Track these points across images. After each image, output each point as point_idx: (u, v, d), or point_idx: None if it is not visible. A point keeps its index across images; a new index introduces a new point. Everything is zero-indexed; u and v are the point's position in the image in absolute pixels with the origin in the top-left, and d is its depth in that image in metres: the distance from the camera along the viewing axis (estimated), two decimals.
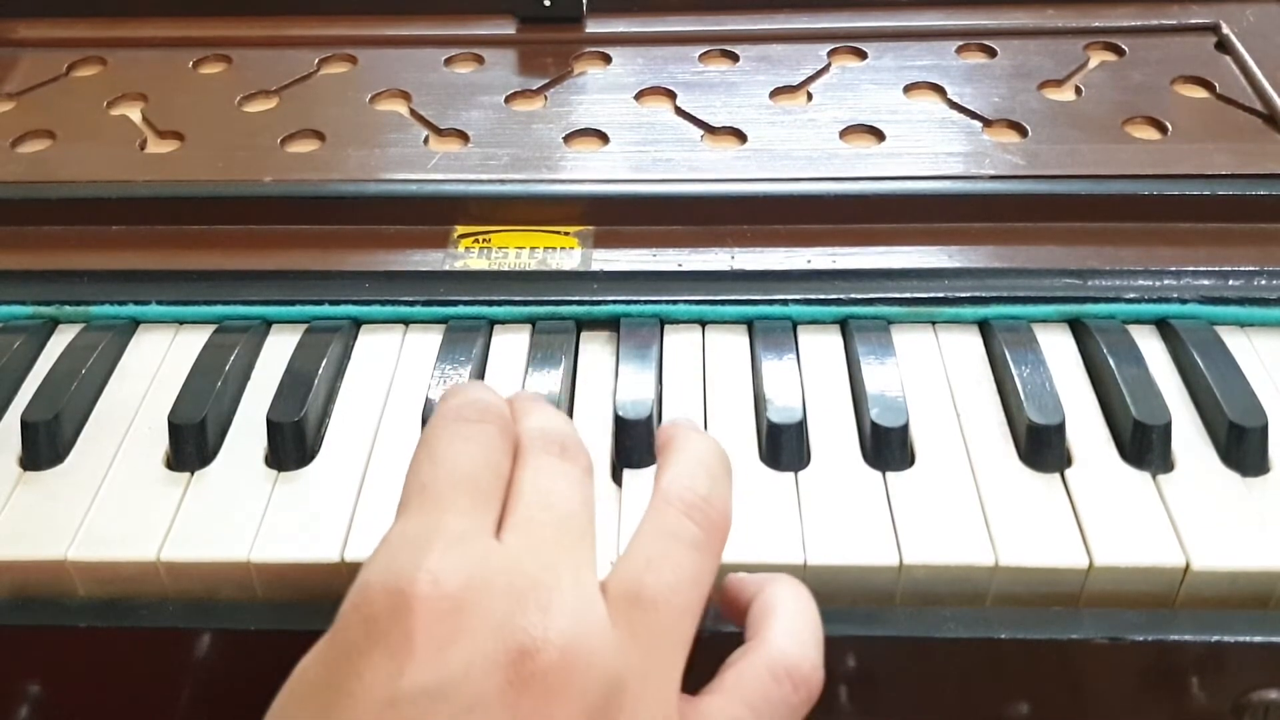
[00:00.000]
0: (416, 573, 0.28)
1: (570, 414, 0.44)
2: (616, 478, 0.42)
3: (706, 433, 0.37)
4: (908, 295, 0.48)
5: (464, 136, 0.57)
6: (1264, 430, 0.41)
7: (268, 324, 0.49)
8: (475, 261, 0.50)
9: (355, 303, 0.49)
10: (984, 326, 0.47)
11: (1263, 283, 0.48)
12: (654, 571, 0.31)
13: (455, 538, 0.30)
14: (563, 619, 0.29)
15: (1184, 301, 0.47)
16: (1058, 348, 0.46)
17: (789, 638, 0.33)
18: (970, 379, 0.45)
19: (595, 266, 0.50)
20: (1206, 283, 0.48)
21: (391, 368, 0.47)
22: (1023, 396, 0.43)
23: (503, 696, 0.27)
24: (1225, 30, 0.62)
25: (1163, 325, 0.47)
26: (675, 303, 0.48)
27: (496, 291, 0.49)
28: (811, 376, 0.45)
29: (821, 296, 0.48)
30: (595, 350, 0.47)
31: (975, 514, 0.40)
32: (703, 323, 0.48)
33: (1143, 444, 0.41)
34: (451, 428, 0.34)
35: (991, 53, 0.62)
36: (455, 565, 0.29)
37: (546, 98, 0.60)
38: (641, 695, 0.29)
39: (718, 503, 0.34)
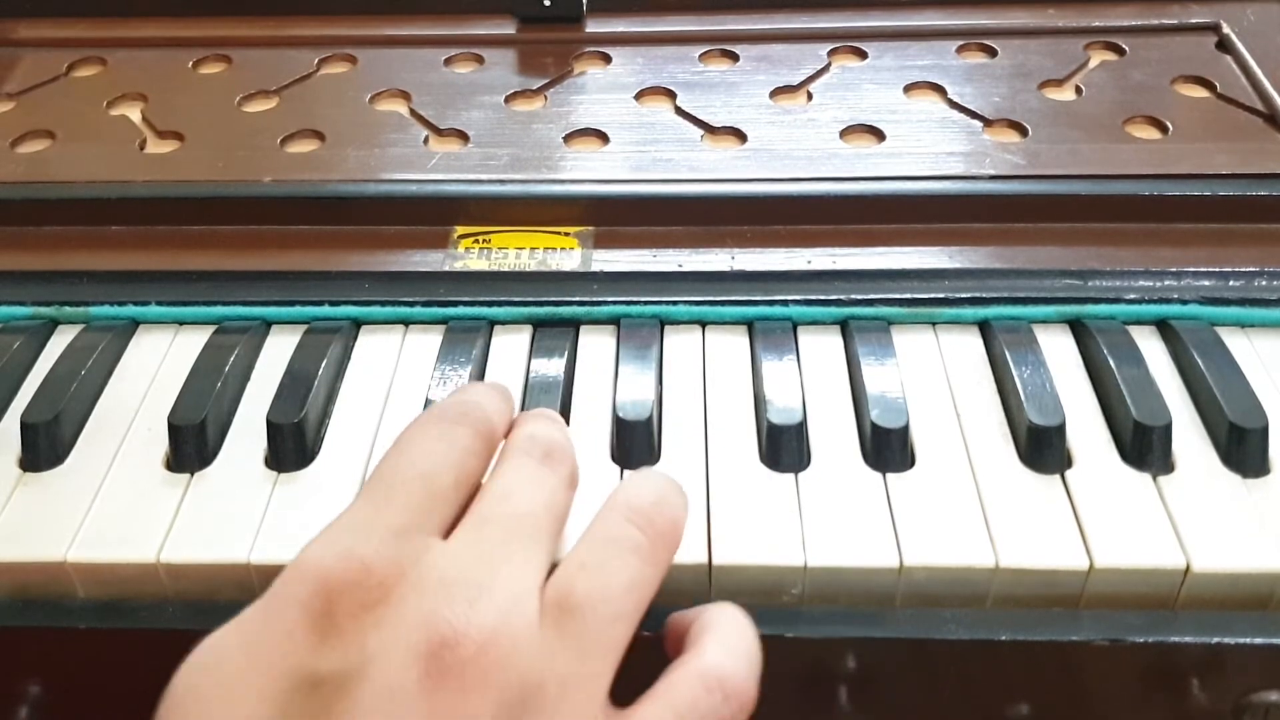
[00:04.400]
0: (349, 558, 0.30)
1: (570, 415, 0.44)
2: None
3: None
4: (908, 296, 0.48)
5: (464, 136, 0.57)
6: (1264, 431, 0.41)
7: (268, 324, 0.49)
8: (475, 262, 0.50)
9: (355, 303, 0.49)
10: (984, 327, 0.47)
11: (1263, 283, 0.48)
12: (586, 577, 0.31)
13: (395, 530, 0.31)
14: (485, 615, 0.29)
15: (1184, 302, 0.47)
16: (1058, 348, 0.46)
17: (723, 650, 0.33)
18: (970, 380, 0.45)
19: (595, 267, 0.50)
20: (1207, 283, 0.48)
21: (391, 368, 0.47)
22: (1023, 397, 0.43)
23: (420, 686, 0.28)
24: (1226, 30, 0.62)
25: (1163, 326, 0.47)
26: (675, 303, 0.48)
27: (496, 292, 0.49)
28: (812, 377, 0.45)
29: (822, 297, 0.48)
30: (595, 351, 0.47)
31: (975, 515, 0.40)
32: (703, 323, 0.48)
33: (1143, 445, 0.41)
34: (426, 427, 0.35)
35: (992, 52, 0.62)
36: (389, 555, 0.30)
37: (546, 98, 0.60)
38: (563, 698, 0.30)
39: (666, 510, 0.34)
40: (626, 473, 0.42)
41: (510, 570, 0.31)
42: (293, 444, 0.43)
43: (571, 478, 0.36)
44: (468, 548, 0.31)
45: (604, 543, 0.33)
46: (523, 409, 0.44)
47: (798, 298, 0.48)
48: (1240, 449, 0.41)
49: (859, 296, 0.48)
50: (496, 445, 0.36)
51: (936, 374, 0.45)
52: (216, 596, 0.40)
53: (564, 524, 0.35)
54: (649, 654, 0.33)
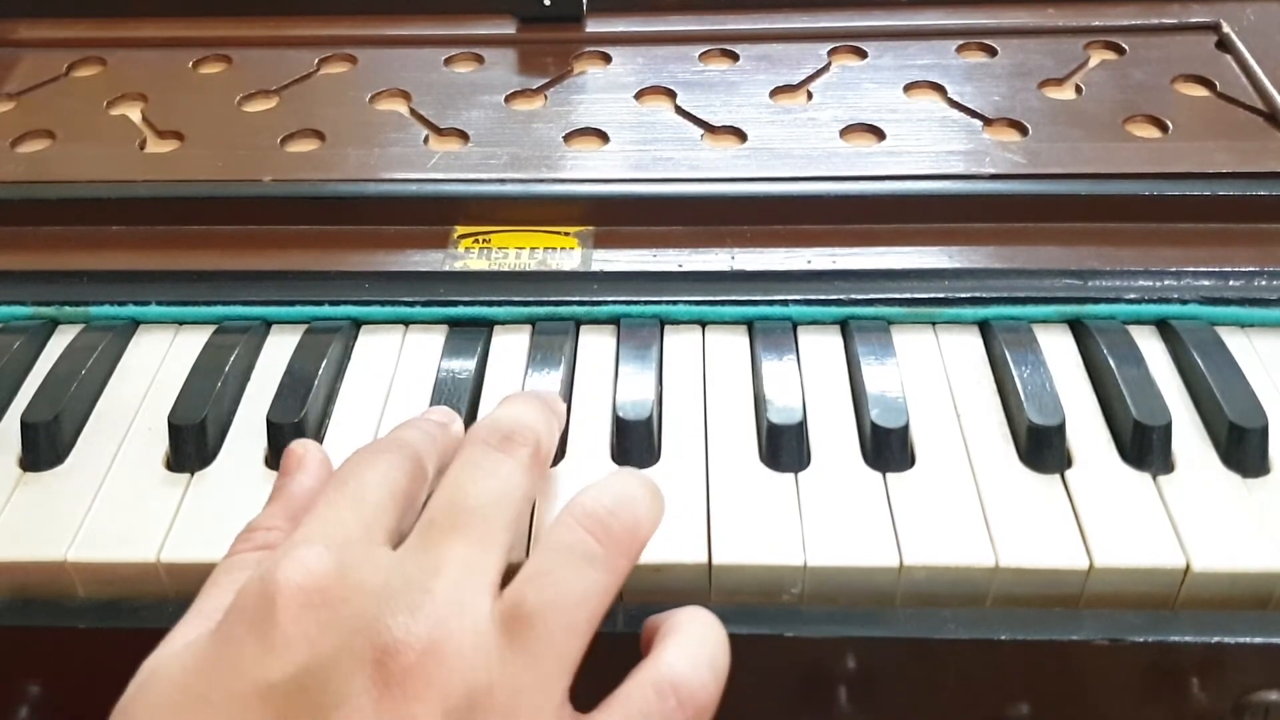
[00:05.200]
0: (292, 570, 0.30)
1: (570, 414, 0.44)
2: None
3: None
4: (908, 296, 0.48)
5: (464, 136, 0.57)
6: (1264, 431, 0.41)
7: (267, 324, 0.49)
8: (475, 262, 0.50)
9: (355, 303, 0.49)
10: (984, 327, 0.47)
11: (1263, 283, 0.48)
12: (538, 586, 0.31)
13: (339, 542, 0.31)
14: (428, 621, 0.29)
15: (1184, 302, 0.47)
16: (1058, 348, 0.46)
17: (680, 656, 0.32)
18: (970, 379, 0.45)
19: (595, 267, 0.50)
20: (1207, 283, 0.48)
21: (391, 368, 0.47)
22: (1023, 397, 0.43)
23: (366, 693, 0.28)
24: (1226, 29, 0.62)
25: (1163, 326, 0.47)
26: (675, 303, 0.48)
27: (497, 292, 0.49)
28: (812, 377, 0.45)
29: (822, 297, 0.48)
30: (595, 351, 0.47)
31: (975, 515, 0.40)
32: (703, 323, 0.48)
33: (1143, 445, 0.41)
34: (352, 462, 0.35)
35: (992, 52, 0.62)
36: (331, 565, 0.30)
37: (546, 97, 0.60)
38: (512, 706, 0.29)
39: (624, 517, 0.33)
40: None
41: (455, 574, 0.31)
42: None
43: (535, 457, 0.35)
44: (412, 554, 0.31)
45: (557, 551, 0.32)
46: None
47: (798, 297, 0.48)
48: (1240, 449, 0.41)
49: (859, 296, 0.48)
50: (431, 462, 0.36)
51: (936, 374, 0.45)
52: None
53: (525, 508, 0.35)
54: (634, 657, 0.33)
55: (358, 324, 0.49)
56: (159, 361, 0.47)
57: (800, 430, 0.42)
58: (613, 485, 0.34)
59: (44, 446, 0.43)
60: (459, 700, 0.29)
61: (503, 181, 0.54)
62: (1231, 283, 0.48)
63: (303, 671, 0.28)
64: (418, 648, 0.29)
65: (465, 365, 0.46)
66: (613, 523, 0.33)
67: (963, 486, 0.41)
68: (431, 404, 0.44)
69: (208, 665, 0.30)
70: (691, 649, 0.33)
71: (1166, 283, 0.48)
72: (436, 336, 0.48)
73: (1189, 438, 0.42)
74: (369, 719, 0.28)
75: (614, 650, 0.39)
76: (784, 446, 0.42)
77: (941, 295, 0.48)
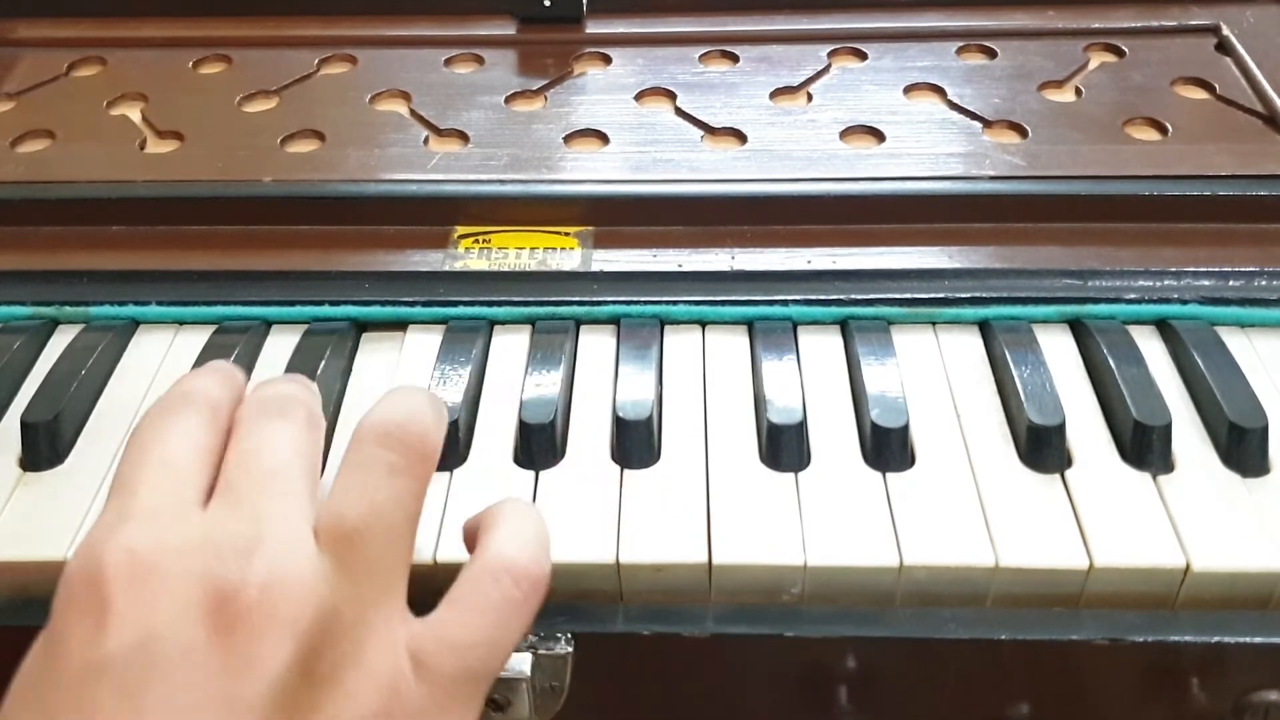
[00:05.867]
0: (107, 546, 0.30)
1: (570, 415, 0.44)
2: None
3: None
4: (908, 296, 0.48)
5: (464, 137, 0.57)
6: (1264, 431, 0.41)
7: (267, 324, 0.49)
8: (475, 262, 0.50)
9: (355, 303, 0.49)
10: (984, 327, 0.47)
11: (1263, 283, 0.48)
12: (352, 503, 0.32)
13: (148, 513, 0.31)
14: (261, 560, 0.30)
15: (1184, 302, 0.47)
16: (1058, 348, 0.46)
17: (506, 540, 0.34)
18: (970, 379, 0.45)
19: (595, 267, 0.50)
20: (1207, 283, 0.48)
21: (391, 368, 0.47)
22: (1023, 397, 0.43)
23: (209, 643, 0.28)
24: (1225, 31, 0.62)
25: (1163, 326, 0.47)
26: (675, 303, 0.48)
27: (496, 292, 0.49)
28: (812, 377, 0.45)
29: (822, 297, 0.48)
30: (595, 351, 0.47)
31: (975, 515, 0.40)
32: (703, 323, 0.48)
33: (1143, 445, 0.41)
34: (150, 421, 0.35)
35: (992, 54, 0.62)
36: (147, 534, 0.30)
37: (546, 98, 0.60)
38: (361, 619, 0.30)
39: (414, 428, 0.34)
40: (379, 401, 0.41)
41: (273, 521, 0.31)
42: None
43: (309, 419, 0.36)
44: (226, 509, 0.32)
45: (359, 469, 0.33)
46: (520, 409, 0.44)
47: (798, 298, 0.48)
48: (1240, 449, 0.41)
49: (859, 296, 0.48)
50: (225, 413, 0.36)
51: (936, 374, 0.45)
52: None
53: (316, 464, 0.35)
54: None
55: (358, 324, 0.49)
56: (159, 362, 0.47)
57: (800, 430, 0.42)
58: (396, 402, 0.35)
59: (44, 446, 0.43)
60: (310, 625, 0.29)
61: (503, 182, 0.54)
62: (1231, 283, 0.48)
63: (142, 641, 0.28)
64: (256, 583, 0.29)
65: (465, 365, 0.46)
66: (404, 435, 0.34)
67: (963, 486, 0.41)
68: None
69: (48, 657, 0.30)
70: (515, 530, 0.34)
71: (1166, 283, 0.48)
72: (437, 337, 0.48)
73: (1189, 438, 0.42)
74: (215, 664, 0.28)
75: (614, 650, 0.39)
76: (784, 446, 0.42)
77: (941, 295, 0.48)
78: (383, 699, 0.30)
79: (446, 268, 0.50)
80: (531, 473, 0.42)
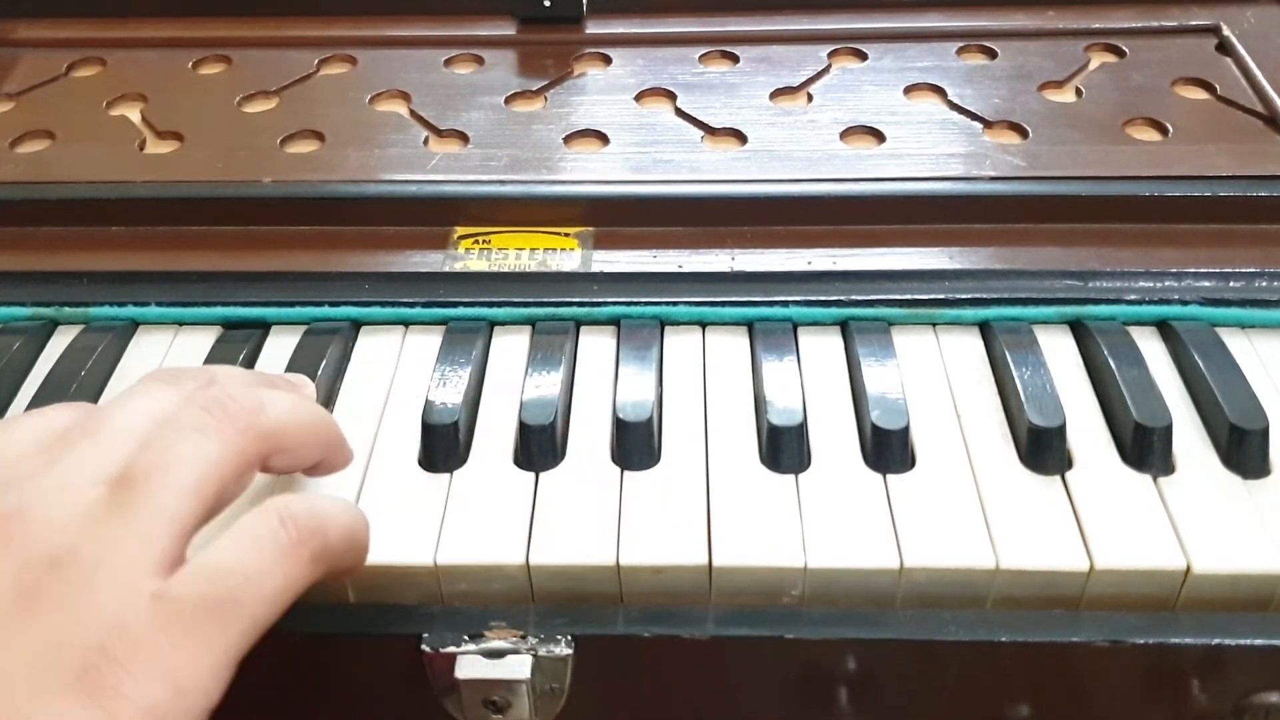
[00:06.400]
0: None
1: (569, 415, 0.44)
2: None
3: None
4: (908, 297, 0.48)
5: (464, 137, 0.57)
6: (1265, 432, 0.41)
7: (268, 325, 0.49)
8: (475, 263, 0.50)
9: (355, 304, 0.49)
10: (984, 328, 0.47)
11: (1263, 284, 0.48)
12: (144, 453, 0.33)
13: (8, 439, 0.34)
14: (19, 494, 0.32)
15: (1185, 303, 0.47)
16: (1058, 349, 0.46)
17: (298, 498, 0.34)
18: (971, 381, 0.45)
19: (595, 268, 0.50)
20: (1207, 284, 0.48)
21: (391, 369, 0.47)
22: (1023, 398, 0.43)
23: None
24: (1226, 32, 0.62)
25: (1163, 327, 0.47)
26: (675, 304, 0.48)
27: (496, 293, 0.49)
28: (812, 378, 0.45)
29: (822, 298, 0.48)
30: (595, 352, 0.47)
31: (976, 516, 0.40)
32: (703, 324, 0.48)
33: (1143, 446, 0.41)
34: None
35: (992, 54, 0.62)
36: None
37: (546, 98, 0.60)
38: (101, 560, 0.31)
39: (245, 401, 0.35)
40: (628, 474, 0.42)
41: (65, 464, 0.33)
42: None
43: (250, 430, 0.36)
44: (33, 453, 0.34)
45: (171, 425, 0.34)
46: (520, 410, 0.44)
47: (798, 298, 0.48)
48: (1241, 450, 0.41)
49: (859, 297, 0.48)
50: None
51: (937, 375, 0.45)
52: None
53: (222, 475, 0.35)
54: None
55: (357, 325, 0.49)
56: (159, 362, 0.47)
57: (800, 431, 0.42)
58: (248, 377, 0.39)
59: None
60: (38, 558, 0.31)
61: (502, 182, 0.54)
62: (1232, 284, 0.48)
63: None
64: (2, 510, 0.31)
65: (465, 366, 0.46)
66: (230, 404, 0.35)
67: (963, 488, 0.41)
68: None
69: None
70: (312, 497, 0.36)
71: (1167, 284, 0.48)
72: (436, 337, 0.48)
73: (1190, 439, 0.42)
74: None
75: (614, 652, 0.39)
76: (784, 448, 0.42)
77: (942, 296, 0.48)
78: (99, 634, 0.30)
79: (446, 268, 0.50)
80: (531, 474, 0.42)
